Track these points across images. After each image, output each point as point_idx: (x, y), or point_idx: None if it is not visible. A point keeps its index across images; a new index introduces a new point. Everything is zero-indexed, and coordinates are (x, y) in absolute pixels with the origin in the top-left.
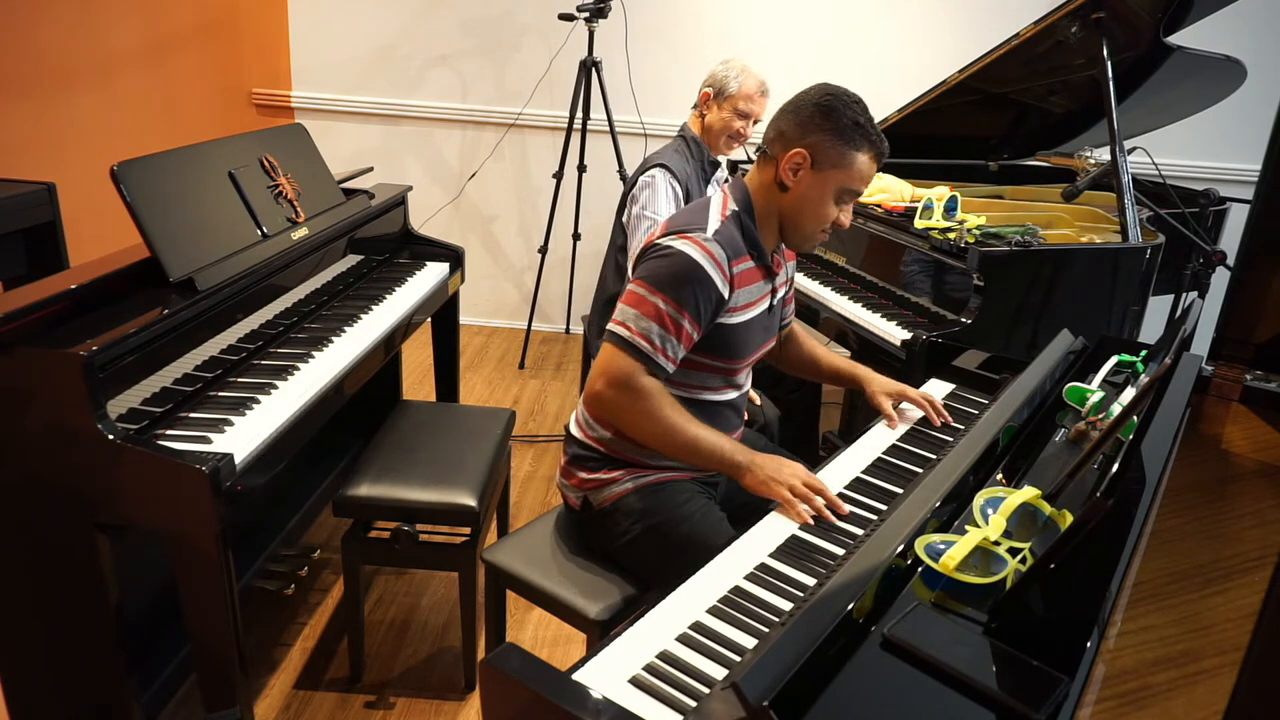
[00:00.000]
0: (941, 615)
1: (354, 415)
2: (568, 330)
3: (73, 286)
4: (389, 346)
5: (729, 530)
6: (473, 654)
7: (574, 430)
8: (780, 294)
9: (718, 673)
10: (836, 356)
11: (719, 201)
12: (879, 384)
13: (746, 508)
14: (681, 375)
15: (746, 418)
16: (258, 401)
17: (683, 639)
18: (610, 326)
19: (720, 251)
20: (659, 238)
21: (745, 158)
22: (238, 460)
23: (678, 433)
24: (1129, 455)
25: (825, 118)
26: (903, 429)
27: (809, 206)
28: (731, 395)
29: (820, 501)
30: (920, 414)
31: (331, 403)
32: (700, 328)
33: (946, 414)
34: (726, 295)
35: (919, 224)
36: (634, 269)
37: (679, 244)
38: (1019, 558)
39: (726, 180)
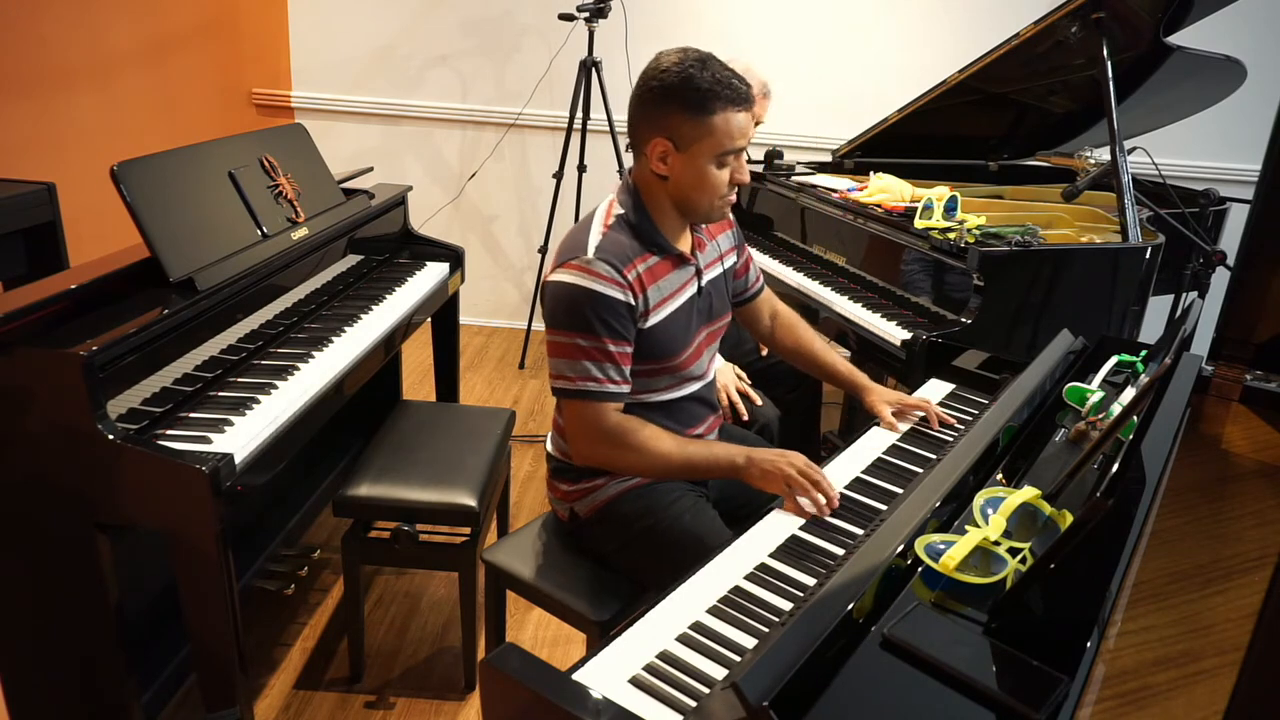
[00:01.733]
0: (941, 615)
1: (354, 415)
2: None
3: (73, 286)
4: (389, 346)
5: (721, 527)
6: (473, 654)
7: (549, 447)
8: (713, 273)
9: (718, 673)
10: (836, 357)
11: (602, 212)
12: (880, 393)
13: (746, 508)
14: (632, 385)
15: (746, 418)
16: (258, 401)
17: (683, 639)
18: (553, 385)
19: (605, 266)
20: (547, 275)
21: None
22: (238, 460)
23: (670, 459)
24: (1129, 455)
25: (667, 99)
26: (903, 429)
27: (693, 186)
28: (691, 389)
29: (820, 500)
30: (920, 414)
31: (331, 403)
32: (627, 341)
33: (949, 418)
34: (633, 301)
35: (919, 224)
36: (542, 311)
37: (561, 277)
38: (1019, 558)
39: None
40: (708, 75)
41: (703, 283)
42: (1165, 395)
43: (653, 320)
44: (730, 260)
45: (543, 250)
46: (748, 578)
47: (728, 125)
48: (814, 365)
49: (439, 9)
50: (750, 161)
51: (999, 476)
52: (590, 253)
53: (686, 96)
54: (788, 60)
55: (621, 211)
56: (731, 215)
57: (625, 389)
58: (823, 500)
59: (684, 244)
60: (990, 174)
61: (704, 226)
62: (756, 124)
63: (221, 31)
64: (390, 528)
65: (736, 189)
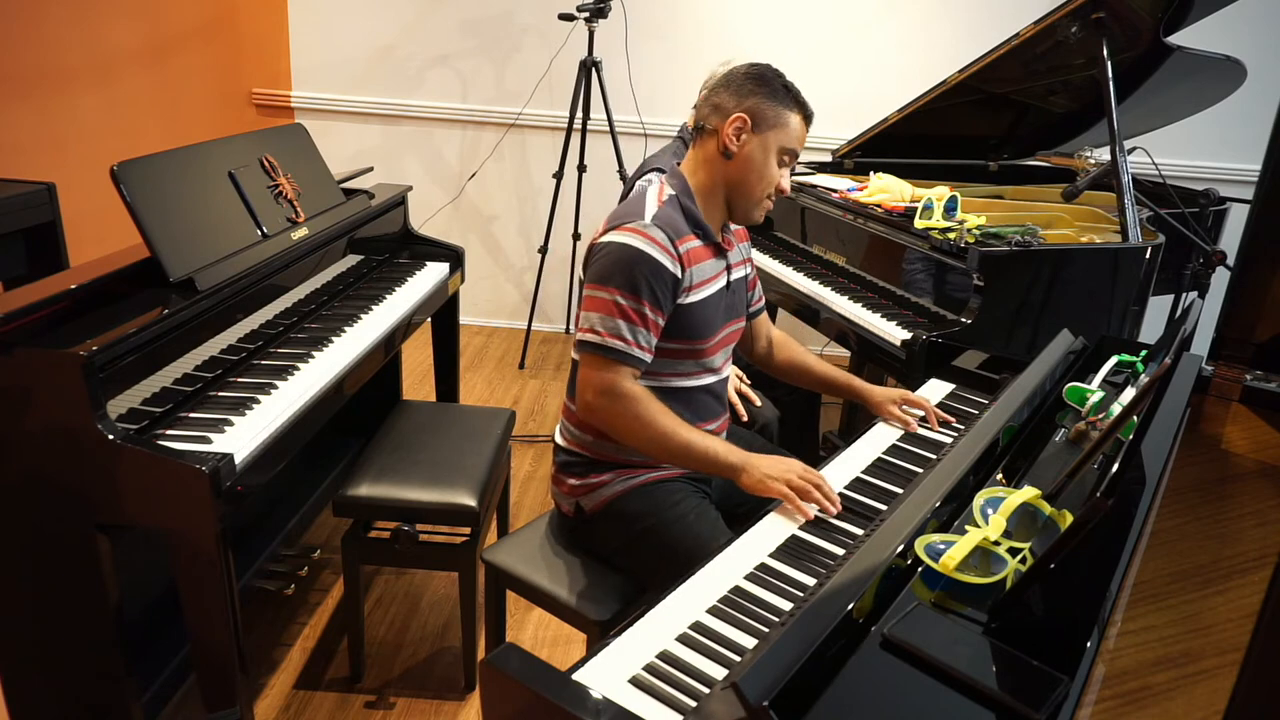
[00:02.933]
0: (941, 615)
1: (354, 415)
2: (568, 330)
3: (73, 286)
4: (389, 346)
5: (724, 529)
6: (473, 654)
7: (558, 439)
8: (738, 274)
9: (718, 673)
10: (829, 365)
11: (655, 190)
12: (882, 394)
13: (744, 507)
14: (654, 363)
15: (746, 419)
16: (258, 401)
17: (683, 639)
18: (580, 336)
19: (660, 234)
20: (599, 237)
21: None
22: (238, 460)
23: (670, 438)
24: (1129, 455)
25: (759, 84)
26: (914, 423)
27: (754, 169)
28: (708, 380)
29: (818, 495)
30: (921, 413)
31: (331, 403)
32: (663, 311)
33: (948, 417)
34: (679, 274)
35: (919, 224)
36: (584, 273)
37: (617, 237)
38: (1019, 558)
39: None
40: (789, 83)
41: (732, 278)
42: (1165, 395)
43: (692, 298)
44: (749, 269)
45: (543, 250)
46: (748, 578)
47: (797, 127)
48: (811, 379)
49: (439, 9)
50: None
51: (999, 476)
52: (648, 219)
53: (773, 88)
54: (788, 60)
55: (673, 193)
56: (744, 226)
57: (648, 358)
58: (826, 504)
59: (719, 237)
60: (990, 174)
61: (731, 228)
62: None
63: (221, 31)
64: (390, 528)
65: (776, 196)
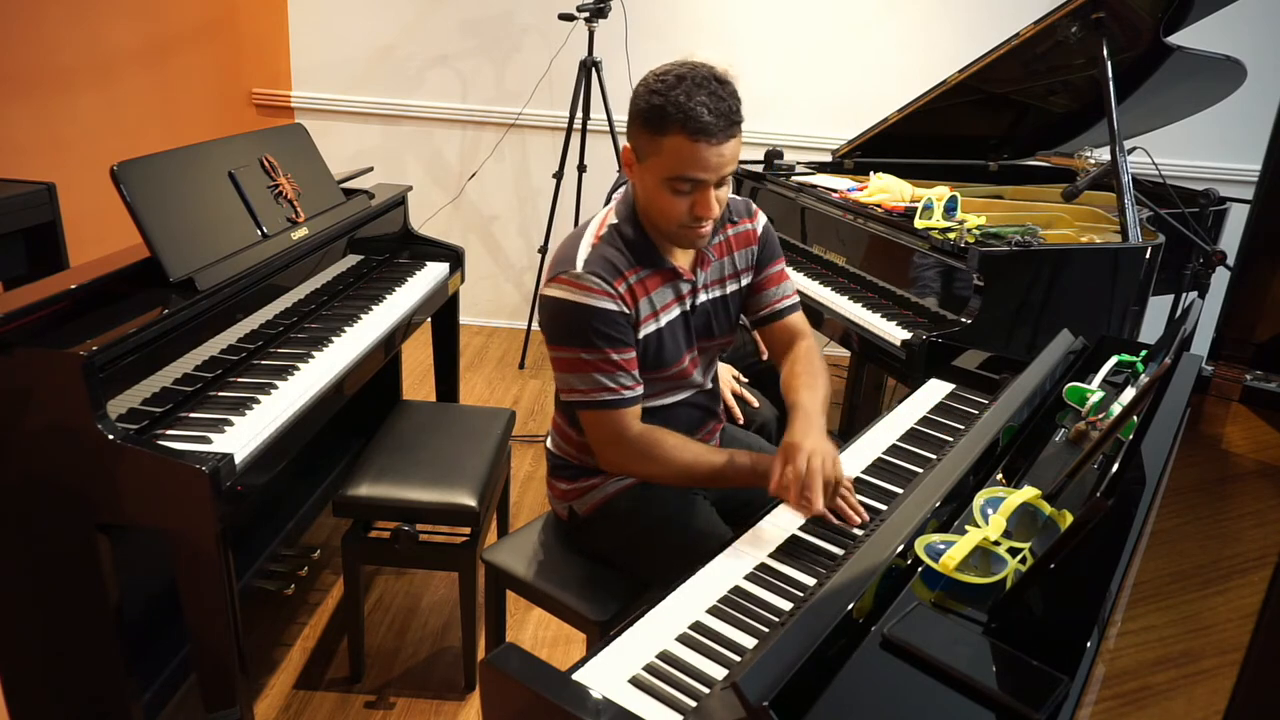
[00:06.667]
0: (941, 615)
1: (354, 415)
2: None
3: (73, 286)
4: (389, 346)
5: (719, 520)
6: (473, 654)
7: (549, 444)
8: (710, 295)
9: (718, 673)
10: (802, 394)
11: (597, 221)
12: (785, 440)
13: (746, 509)
14: None
15: (742, 421)
16: (258, 401)
17: (683, 639)
18: (566, 399)
19: (594, 279)
20: (542, 288)
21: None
22: (238, 460)
23: (697, 467)
24: (1129, 455)
25: (634, 108)
26: (903, 429)
27: (649, 202)
28: (686, 394)
29: (844, 507)
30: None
31: (331, 403)
32: (629, 347)
33: (861, 511)
34: (627, 309)
35: (919, 224)
36: (539, 323)
37: (554, 292)
38: (1019, 558)
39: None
40: (674, 95)
41: (696, 301)
42: (1165, 395)
43: (643, 331)
44: (745, 280)
45: (543, 250)
46: (748, 578)
47: (678, 152)
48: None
49: (439, 9)
50: (749, 162)
51: (999, 476)
52: (579, 266)
53: (646, 111)
54: (787, 60)
55: (615, 222)
56: (759, 229)
57: (640, 391)
58: (851, 516)
59: (682, 259)
60: (990, 174)
61: (713, 244)
62: None
63: (221, 31)
64: (390, 528)
65: (707, 222)
